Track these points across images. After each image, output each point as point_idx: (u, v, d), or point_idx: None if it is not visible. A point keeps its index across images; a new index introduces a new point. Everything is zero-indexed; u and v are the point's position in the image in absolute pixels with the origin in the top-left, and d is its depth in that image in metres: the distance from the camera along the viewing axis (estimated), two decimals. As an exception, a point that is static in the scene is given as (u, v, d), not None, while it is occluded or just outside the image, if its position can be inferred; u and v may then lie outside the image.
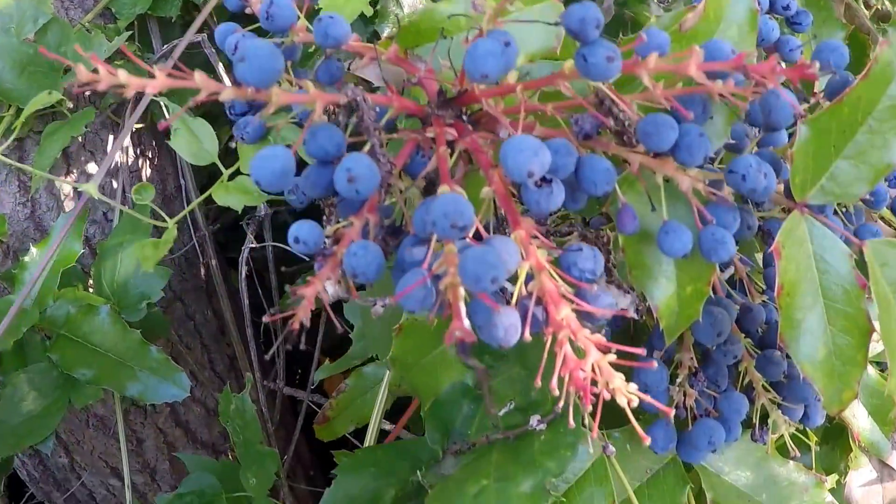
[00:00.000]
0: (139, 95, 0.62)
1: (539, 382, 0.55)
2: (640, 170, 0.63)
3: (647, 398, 0.52)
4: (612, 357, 0.53)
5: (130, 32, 1.30)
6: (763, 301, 0.83)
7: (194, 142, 0.81)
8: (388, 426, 1.39)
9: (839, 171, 0.66)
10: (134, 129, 1.41)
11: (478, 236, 0.56)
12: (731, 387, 0.81)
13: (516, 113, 0.63)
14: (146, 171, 1.43)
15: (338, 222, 0.63)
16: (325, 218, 0.64)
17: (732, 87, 0.58)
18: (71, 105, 1.29)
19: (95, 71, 0.52)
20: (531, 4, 0.67)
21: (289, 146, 0.59)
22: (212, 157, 0.82)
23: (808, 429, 0.85)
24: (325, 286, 0.61)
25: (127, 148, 1.39)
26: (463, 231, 0.52)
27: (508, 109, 0.64)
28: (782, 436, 0.83)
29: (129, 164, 1.39)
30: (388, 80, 0.67)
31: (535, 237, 0.57)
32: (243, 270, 1.37)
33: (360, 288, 0.66)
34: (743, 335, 0.81)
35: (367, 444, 1.11)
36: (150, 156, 1.44)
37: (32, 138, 1.28)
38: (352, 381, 1.26)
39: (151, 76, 0.53)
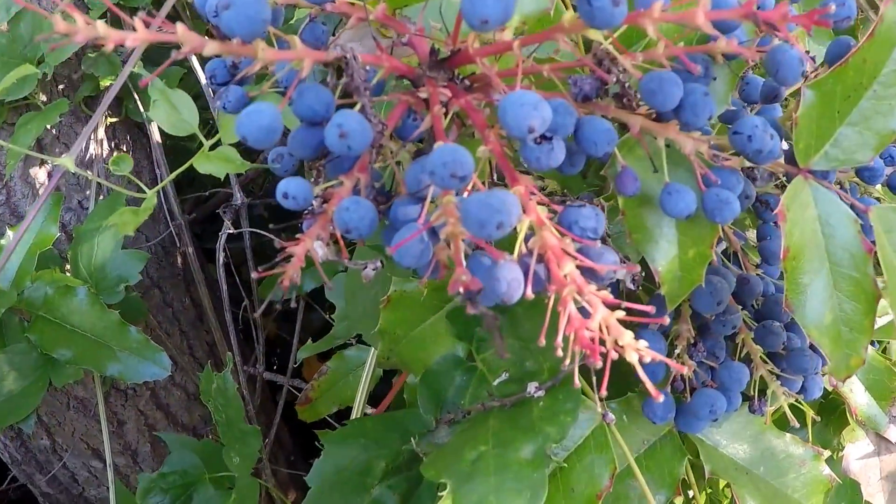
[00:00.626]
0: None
1: (543, 341, 0.52)
2: (641, 133, 0.60)
3: (653, 354, 0.49)
4: (621, 313, 0.50)
5: (103, 21, 1.25)
6: (758, 274, 0.81)
7: (173, 113, 0.77)
8: (370, 410, 1.37)
9: (843, 138, 0.64)
10: (108, 123, 1.40)
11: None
12: (728, 357, 0.79)
13: (511, 76, 0.60)
14: None
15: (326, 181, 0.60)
16: (312, 179, 0.61)
17: (736, 45, 0.55)
18: (45, 98, 1.28)
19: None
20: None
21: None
22: (191, 127, 0.78)
23: (804, 402, 0.82)
24: (315, 247, 0.57)
25: (101, 140, 1.37)
26: (463, 181, 0.49)
27: (503, 72, 0.61)
28: (779, 409, 0.80)
29: (105, 156, 1.37)
30: (373, 38, 0.64)
31: (534, 194, 0.54)
32: (221, 256, 1.35)
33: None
34: (740, 307, 0.78)
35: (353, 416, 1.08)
36: (124, 149, 1.43)
37: (6, 129, 1.26)
38: (333, 364, 1.25)
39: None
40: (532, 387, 0.73)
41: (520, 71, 0.57)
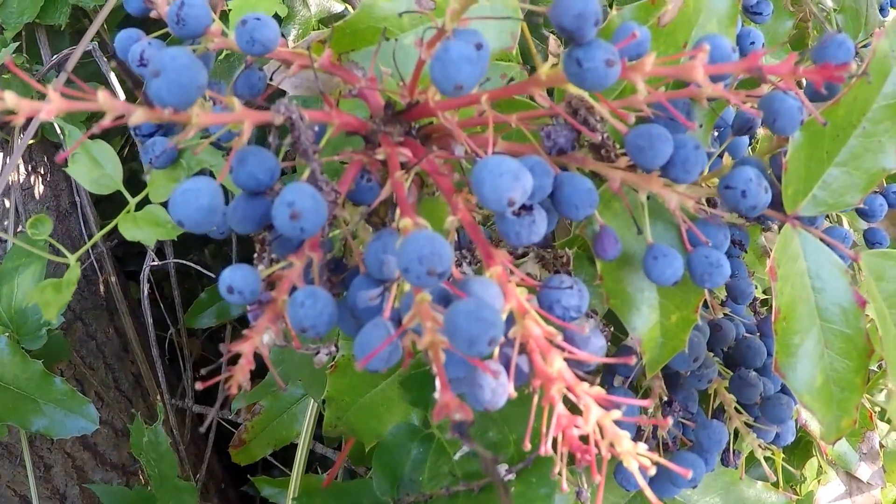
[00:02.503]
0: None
1: (528, 445, 0.44)
2: (622, 187, 0.52)
3: (657, 459, 0.42)
4: (618, 414, 0.42)
5: (18, 43, 1.14)
6: (725, 314, 0.73)
7: (95, 168, 0.66)
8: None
9: (832, 179, 0.57)
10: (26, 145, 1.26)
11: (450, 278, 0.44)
12: (701, 410, 0.71)
13: (472, 126, 0.52)
14: (39, 188, 1.30)
15: (272, 260, 0.51)
16: (256, 256, 0.52)
17: (723, 90, 0.47)
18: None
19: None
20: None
21: (213, 175, 0.47)
22: (115, 184, 0.68)
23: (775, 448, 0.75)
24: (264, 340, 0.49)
25: (18, 165, 1.25)
26: (442, 278, 0.40)
27: (464, 122, 0.52)
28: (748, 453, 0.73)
29: (21, 181, 1.27)
30: (323, 89, 0.55)
31: (512, 272, 0.46)
32: (145, 288, 1.25)
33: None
34: (711, 354, 0.71)
35: (295, 469, 0.98)
36: (42, 172, 1.31)
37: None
38: (267, 403, 1.16)
39: (43, 96, 0.40)
40: (502, 469, 0.65)
41: (490, 131, 0.48)
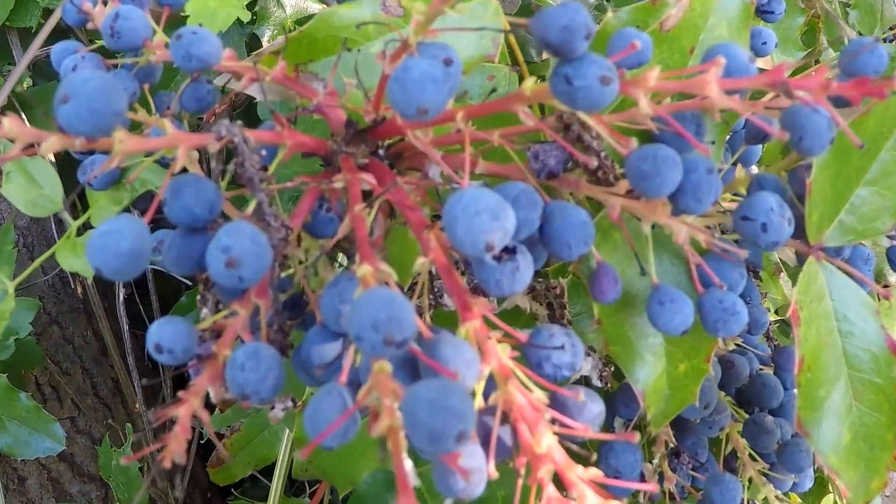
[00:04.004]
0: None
1: None
2: (622, 217, 0.44)
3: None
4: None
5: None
6: (738, 345, 0.65)
7: (32, 187, 0.58)
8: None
9: (860, 201, 0.50)
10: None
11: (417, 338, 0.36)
12: (713, 458, 0.63)
13: (449, 144, 0.43)
14: None
15: (218, 303, 0.43)
16: (199, 298, 0.43)
17: (738, 102, 0.39)
18: None
19: None
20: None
21: (143, 212, 0.39)
22: (55, 205, 0.60)
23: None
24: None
25: (-12, 163, 1.16)
26: (401, 347, 0.32)
27: (439, 140, 0.44)
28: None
29: None
30: (275, 107, 0.46)
31: (494, 326, 0.38)
32: (121, 293, 1.18)
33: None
34: (723, 393, 0.63)
35: (272, 494, 0.90)
36: None
37: None
38: (247, 420, 1.08)
39: None
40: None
41: (468, 154, 0.40)
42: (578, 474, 0.35)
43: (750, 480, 0.63)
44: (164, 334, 0.39)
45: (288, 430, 0.91)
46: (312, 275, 0.44)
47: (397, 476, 0.32)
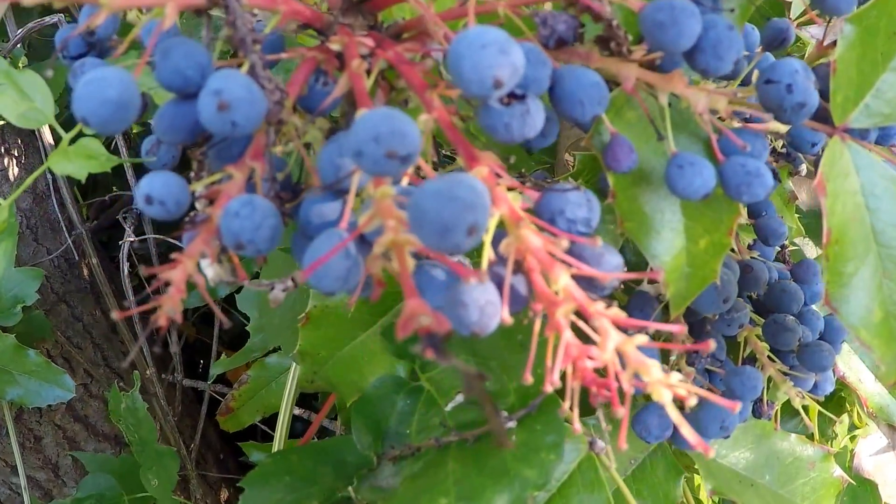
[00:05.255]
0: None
1: (529, 378, 0.34)
2: (636, 88, 0.41)
3: (699, 391, 0.32)
4: (643, 338, 0.32)
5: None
6: (753, 258, 0.62)
7: (22, 100, 0.55)
8: (299, 412, 1.26)
9: (887, 87, 0.46)
10: (-1, 126, 1.23)
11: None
12: (731, 362, 0.60)
13: (452, 19, 0.40)
14: (13, 170, 1.22)
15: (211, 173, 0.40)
16: (193, 174, 0.40)
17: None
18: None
19: None
20: None
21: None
22: (46, 118, 0.57)
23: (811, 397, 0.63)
24: (202, 266, 0.38)
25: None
26: (405, 163, 0.29)
27: (443, 14, 0.41)
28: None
29: None
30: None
31: (500, 176, 0.35)
32: (125, 267, 1.21)
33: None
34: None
35: (276, 439, 0.88)
36: (15, 154, 1.23)
37: None
38: (254, 373, 1.09)
39: None
40: (503, 417, 0.53)
41: (472, 17, 0.37)
42: (600, 310, 0.31)
43: (769, 381, 0.60)
44: (155, 185, 0.36)
45: (292, 376, 0.89)
46: (308, 152, 0.41)
47: (403, 282, 0.29)
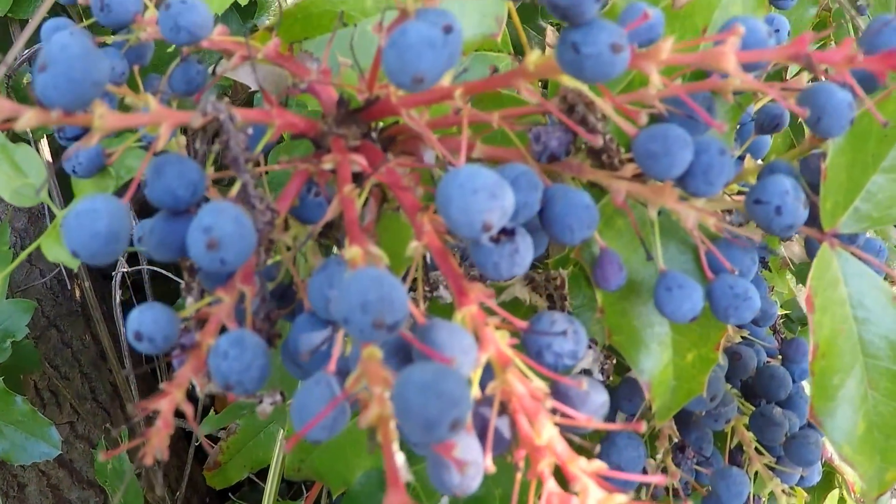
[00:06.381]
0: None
1: None
2: (627, 201, 0.41)
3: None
4: (624, 499, 0.32)
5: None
6: (744, 337, 0.62)
7: (17, 176, 0.55)
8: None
9: (877, 189, 0.47)
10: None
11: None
12: (718, 452, 0.60)
13: (446, 127, 0.41)
14: None
15: (203, 292, 0.40)
16: (184, 286, 0.41)
17: (755, 81, 0.36)
18: None
19: None
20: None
21: (121, 192, 0.37)
22: (39, 195, 0.57)
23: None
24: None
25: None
26: (392, 331, 0.29)
27: (435, 122, 0.41)
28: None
29: None
30: (267, 86, 0.44)
31: (491, 312, 0.35)
32: (117, 296, 1.14)
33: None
34: (728, 385, 0.60)
35: (267, 496, 0.87)
36: None
37: None
38: (243, 421, 1.04)
39: None
40: (489, 533, 0.53)
41: (465, 133, 0.37)
42: (581, 467, 0.32)
43: (756, 475, 0.60)
44: (145, 321, 0.36)
45: (283, 430, 0.88)
46: (302, 262, 0.42)
47: (387, 470, 0.30)
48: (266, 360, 0.35)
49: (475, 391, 0.34)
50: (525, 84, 0.37)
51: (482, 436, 0.33)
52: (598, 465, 0.32)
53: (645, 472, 0.56)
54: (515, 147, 0.41)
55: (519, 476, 0.33)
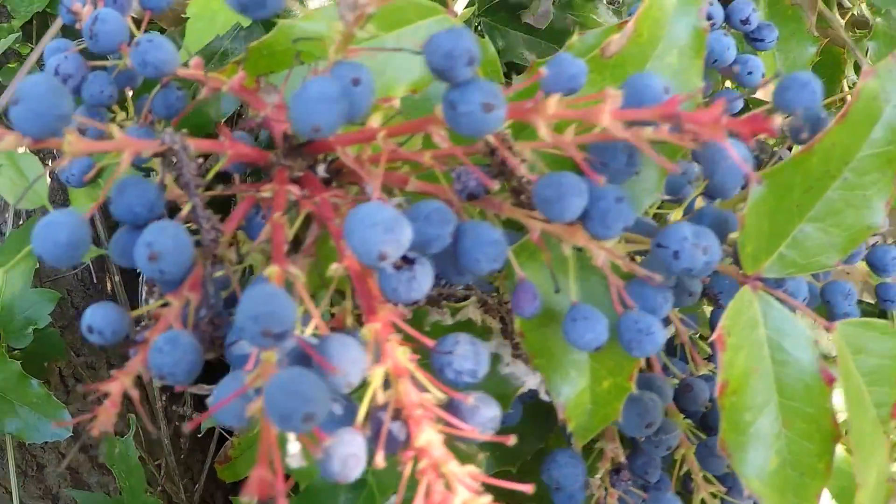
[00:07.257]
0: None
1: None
2: (542, 239, 0.48)
3: None
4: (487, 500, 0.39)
5: (18, 34, 1.13)
6: (710, 371, 0.68)
7: (21, 181, 0.64)
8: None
9: (804, 237, 0.52)
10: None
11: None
12: (665, 476, 0.66)
13: (390, 160, 0.48)
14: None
15: (161, 297, 0.48)
16: (147, 290, 0.49)
17: (666, 134, 0.42)
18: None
19: None
20: (400, 27, 0.51)
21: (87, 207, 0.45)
22: (40, 199, 0.66)
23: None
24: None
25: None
26: (280, 339, 0.37)
27: (377, 156, 0.48)
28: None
29: None
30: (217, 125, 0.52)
31: (398, 329, 0.42)
32: (143, 291, 1.21)
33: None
34: (682, 415, 0.65)
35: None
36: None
37: None
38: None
39: None
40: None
41: (381, 170, 0.44)
42: (451, 469, 0.39)
43: (702, 502, 0.65)
44: (96, 317, 0.45)
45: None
46: (249, 274, 0.49)
47: (259, 448, 0.37)
48: (195, 356, 0.43)
49: (380, 398, 0.41)
50: (438, 130, 0.44)
51: (377, 435, 0.40)
52: (472, 469, 0.39)
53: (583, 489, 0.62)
54: (442, 185, 0.48)
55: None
